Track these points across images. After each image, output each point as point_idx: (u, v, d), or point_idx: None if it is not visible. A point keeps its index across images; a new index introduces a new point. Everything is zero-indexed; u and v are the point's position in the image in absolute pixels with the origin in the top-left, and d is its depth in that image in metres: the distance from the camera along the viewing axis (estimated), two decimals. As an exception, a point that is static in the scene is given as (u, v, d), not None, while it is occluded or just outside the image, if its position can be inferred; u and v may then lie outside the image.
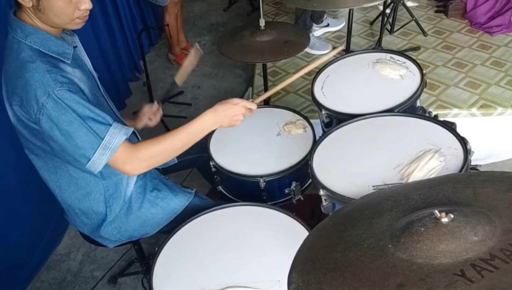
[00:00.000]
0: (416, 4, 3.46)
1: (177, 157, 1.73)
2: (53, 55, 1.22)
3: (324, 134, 1.50)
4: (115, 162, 1.24)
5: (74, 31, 1.36)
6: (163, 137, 1.30)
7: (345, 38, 2.47)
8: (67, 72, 1.21)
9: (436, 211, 0.70)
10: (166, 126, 2.99)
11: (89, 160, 1.21)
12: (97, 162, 1.21)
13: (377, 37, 2.94)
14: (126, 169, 1.27)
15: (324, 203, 1.29)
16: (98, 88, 1.41)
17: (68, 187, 1.41)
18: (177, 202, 1.53)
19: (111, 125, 1.21)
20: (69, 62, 1.25)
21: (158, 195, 1.52)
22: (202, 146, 1.70)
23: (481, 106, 2.41)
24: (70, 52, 1.27)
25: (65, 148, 1.21)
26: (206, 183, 2.05)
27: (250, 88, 2.87)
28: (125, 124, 1.30)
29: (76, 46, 1.35)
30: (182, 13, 3.64)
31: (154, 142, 1.29)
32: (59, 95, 1.14)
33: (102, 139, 1.19)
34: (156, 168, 1.64)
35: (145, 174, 1.52)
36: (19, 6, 1.19)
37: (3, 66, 1.24)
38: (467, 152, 1.24)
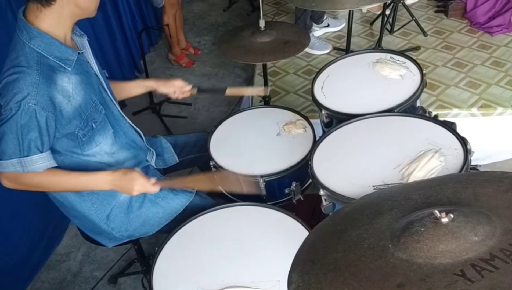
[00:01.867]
0: (415, 0, 3.43)
1: (179, 156, 1.74)
2: (54, 60, 1.23)
3: (324, 134, 1.50)
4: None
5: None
6: (55, 172, 1.30)
7: (345, 38, 2.47)
8: (60, 85, 1.22)
9: (436, 211, 0.70)
10: (166, 126, 3.00)
11: None
12: (3, 166, 1.22)
13: (377, 37, 2.94)
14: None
15: (324, 203, 1.29)
16: (104, 89, 1.42)
17: None
18: (178, 201, 1.53)
19: (42, 152, 1.24)
20: (70, 69, 1.26)
21: (159, 194, 1.51)
22: (203, 145, 1.70)
23: (481, 106, 2.41)
24: (73, 59, 1.27)
25: None
26: (206, 183, 2.05)
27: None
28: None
29: (82, 52, 1.35)
30: (182, 13, 3.64)
31: (55, 174, 1.30)
32: (25, 108, 1.17)
33: (25, 156, 1.22)
34: (157, 168, 1.64)
35: (146, 173, 1.52)
36: (28, 5, 1.20)
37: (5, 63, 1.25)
38: (467, 152, 1.24)
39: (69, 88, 1.25)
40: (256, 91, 1.67)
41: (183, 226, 1.39)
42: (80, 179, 1.34)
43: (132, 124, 1.56)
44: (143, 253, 1.82)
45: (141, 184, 1.36)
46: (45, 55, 1.21)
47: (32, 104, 1.17)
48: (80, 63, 1.32)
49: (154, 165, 1.62)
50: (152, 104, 3.14)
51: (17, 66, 1.18)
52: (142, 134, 1.59)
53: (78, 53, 1.31)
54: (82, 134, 1.33)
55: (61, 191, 1.41)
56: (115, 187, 1.36)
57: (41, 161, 1.24)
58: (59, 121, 1.25)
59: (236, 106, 3.12)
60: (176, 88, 1.69)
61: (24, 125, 1.19)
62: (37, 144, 1.22)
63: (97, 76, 1.40)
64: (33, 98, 1.17)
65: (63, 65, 1.24)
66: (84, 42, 1.39)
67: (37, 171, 1.24)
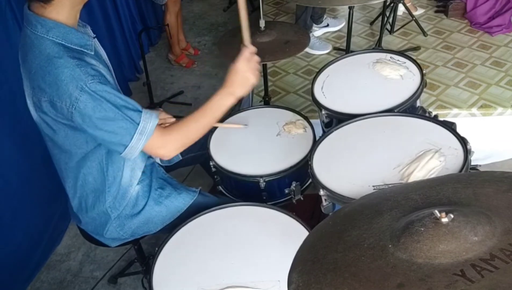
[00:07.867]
0: (422, 11, 3.41)
1: (181, 154, 1.74)
2: (76, 48, 1.22)
3: (324, 134, 1.50)
4: (150, 147, 1.27)
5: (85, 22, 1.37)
6: (190, 117, 1.34)
7: (345, 38, 2.47)
8: (93, 64, 1.22)
9: (436, 211, 0.69)
10: (166, 126, 2.99)
11: (126, 146, 1.23)
12: (134, 147, 1.24)
13: (377, 37, 2.94)
14: (161, 153, 1.33)
15: (324, 203, 1.29)
16: (113, 79, 1.41)
17: (83, 184, 1.42)
18: (181, 200, 1.53)
19: (141, 111, 1.25)
20: (92, 53, 1.26)
21: (162, 193, 1.52)
22: (204, 144, 1.70)
23: (481, 106, 2.41)
24: (91, 44, 1.28)
25: (102, 138, 1.23)
26: (206, 182, 2.06)
27: (250, 88, 2.87)
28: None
29: (95, 37, 1.35)
30: (182, 13, 3.63)
31: (183, 123, 1.33)
32: (92, 88, 1.16)
33: (138, 124, 1.23)
34: (160, 166, 1.64)
35: (151, 172, 1.53)
36: (31, 1, 1.18)
37: (24, 64, 1.24)
38: (467, 152, 1.24)
39: (101, 68, 1.25)
40: (233, 125, 1.78)
41: (183, 226, 1.39)
42: (209, 105, 1.34)
43: None
44: (143, 253, 1.82)
45: (250, 65, 1.36)
46: (66, 44, 1.19)
47: (90, 81, 1.16)
48: (95, 49, 1.32)
49: (159, 162, 1.63)
50: (152, 104, 3.14)
51: (49, 61, 1.16)
52: None
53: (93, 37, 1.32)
54: None
55: (204, 129, 1.37)
56: (241, 83, 1.36)
57: (148, 115, 1.25)
58: None
59: (236, 106, 3.12)
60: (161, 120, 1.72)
61: (107, 97, 1.18)
62: (129, 106, 1.22)
63: (107, 64, 1.40)
64: (87, 76, 1.16)
65: (85, 50, 1.24)
66: (89, 32, 1.37)
67: (155, 124, 1.25)
